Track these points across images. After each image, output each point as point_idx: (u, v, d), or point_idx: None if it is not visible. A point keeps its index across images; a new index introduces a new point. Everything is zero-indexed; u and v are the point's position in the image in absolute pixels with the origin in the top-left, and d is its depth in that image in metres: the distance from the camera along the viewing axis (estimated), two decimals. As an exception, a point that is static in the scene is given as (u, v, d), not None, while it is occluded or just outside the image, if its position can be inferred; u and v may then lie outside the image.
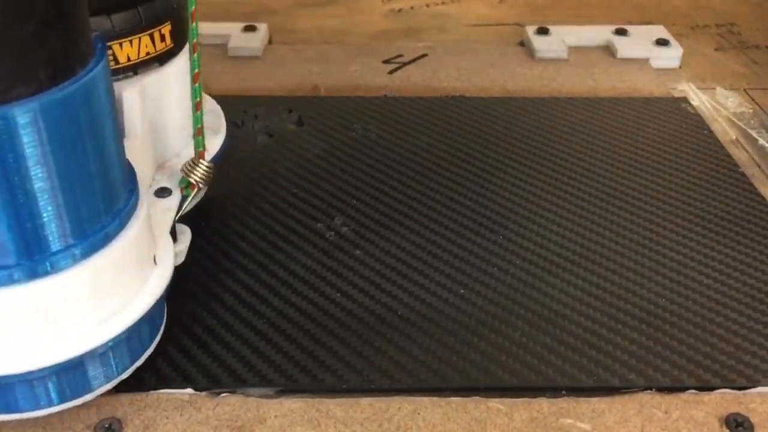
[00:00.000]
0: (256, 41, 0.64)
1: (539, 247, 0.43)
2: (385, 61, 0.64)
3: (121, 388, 0.35)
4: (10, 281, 0.29)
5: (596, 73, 0.63)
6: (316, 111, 0.56)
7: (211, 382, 0.35)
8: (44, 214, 0.28)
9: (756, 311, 0.39)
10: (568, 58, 0.65)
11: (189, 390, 0.35)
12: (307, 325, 0.38)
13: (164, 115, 0.40)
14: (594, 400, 0.35)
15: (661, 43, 0.66)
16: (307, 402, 0.35)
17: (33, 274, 0.29)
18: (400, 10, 0.76)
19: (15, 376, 0.30)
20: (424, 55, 0.65)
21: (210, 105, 0.45)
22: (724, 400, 0.35)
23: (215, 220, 0.45)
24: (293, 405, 0.34)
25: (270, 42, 0.67)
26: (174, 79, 0.40)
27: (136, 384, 0.35)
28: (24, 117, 0.26)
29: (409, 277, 0.41)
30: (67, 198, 0.29)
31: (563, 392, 0.35)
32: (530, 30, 0.68)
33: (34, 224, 0.28)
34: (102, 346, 0.31)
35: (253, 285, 0.40)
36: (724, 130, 0.56)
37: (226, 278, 0.41)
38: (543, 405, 0.35)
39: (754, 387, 0.35)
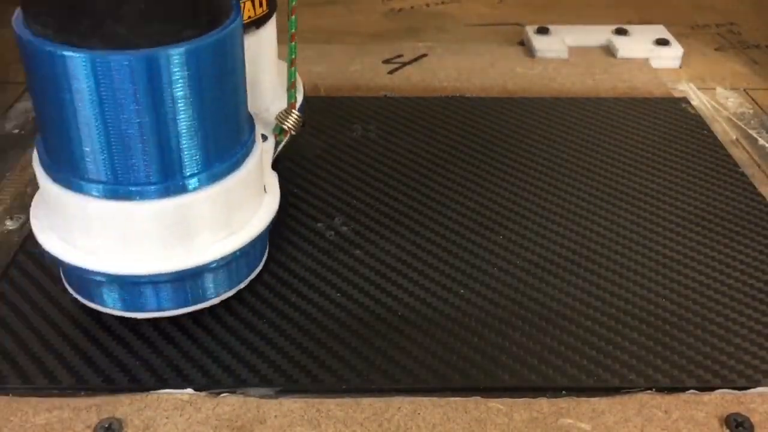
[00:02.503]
0: (256, 41, 0.64)
1: (539, 247, 0.43)
2: (385, 61, 0.64)
3: (121, 388, 0.35)
4: (160, 195, 0.34)
5: (596, 73, 0.63)
6: (316, 111, 0.56)
7: (211, 382, 0.35)
8: (191, 140, 0.33)
9: (756, 311, 0.39)
10: (568, 58, 0.65)
11: (189, 390, 0.35)
12: (307, 325, 0.38)
13: (258, 73, 0.44)
14: (594, 400, 0.35)
15: (661, 42, 0.66)
16: (307, 402, 0.35)
17: (180, 190, 0.34)
18: (400, 10, 0.76)
19: (163, 275, 0.35)
20: (424, 55, 0.65)
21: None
22: (724, 401, 0.35)
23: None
24: (293, 405, 0.34)
25: (270, 42, 0.67)
26: (267, 41, 0.45)
27: (136, 384, 0.35)
28: (192, 54, 0.32)
29: (409, 277, 0.41)
30: (208, 130, 0.34)
31: (563, 392, 0.35)
32: (530, 30, 0.68)
33: (179, 150, 0.33)
34: (232, 254, 0.36)
35: (253, 285, 0.40)
36: (724, 130, 0.56)
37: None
38: (543, 405, 0.35)
39: (754, 387, 0.35)
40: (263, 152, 0.40)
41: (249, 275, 0.40)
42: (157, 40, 0.31)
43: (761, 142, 0.55)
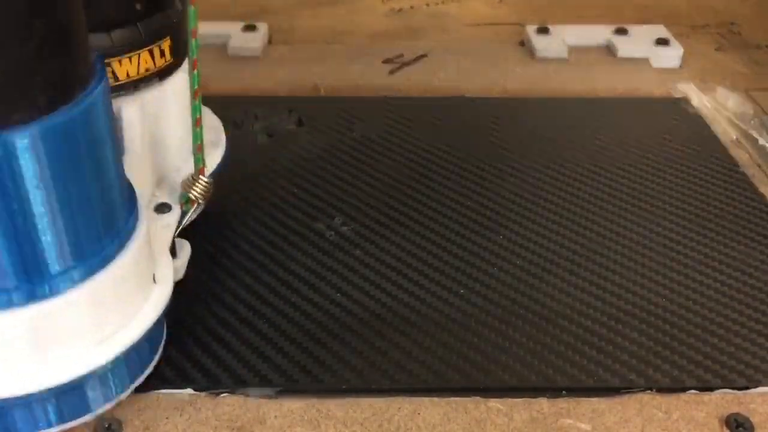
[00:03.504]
0: (255, 41, 0.64)
1: (539, 247, 0.43)
2: (385, 61, 0.64)
3: (120, 389, 0.35)
4: (9, 304, 0.28)
5: (596, 73, 0.63)
6: (316, 111, 0.56)
7: (211, 383, 0.35)
8: (44, 238, 0.28)
9: (756, 311, 0.39)
10: (568, 58, 0.65)
11: (189, 390, 0.35)
12: (307, 325, 0.38)
13: (164, 131, 0.40)
14: (594, 400, 0.35)
15: (662, 42, 0.66)
16: (307, 402, 0.35)
17: (32, 296, 0.29)
18: (400, 10, 0.76)
19: (14, 399, 0.30)
20: (424, 55, 0.65)
21: (209, 119, 0.45)
22: (724, 401, 0.35)
23: (215, 219, 0.45)
24: (293, 405, 0.34)
25: (270, 42, 0.67)
26: (174, 94, 0.40)
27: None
28: (24, 142, 0.26)
29: (409, 277, 0.41)
30: (67, 221, 0.28)
31: (563, 392, 0.35)
32: (530, 30, 0.68)
33: (34, 248, 0.28)
34: (101, 367, 0.31)
35: (253, 285, 0.40)
36: (725, 130, 0.56)
37: (227, 278, 0.41)
38: (543, 405, 0.35)
39: (754, 387, 0.35)
40: (165, 227, 0.36)
41: (133, 382, 0.34)
42: None
43: (761, 142, 0.55)
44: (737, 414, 0.34)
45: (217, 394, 0.35)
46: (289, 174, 0.49)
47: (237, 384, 0.35)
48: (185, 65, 0.40)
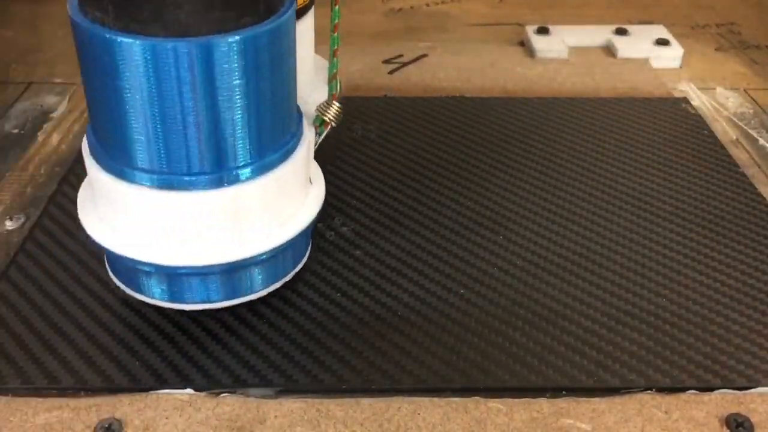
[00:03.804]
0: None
1: (539, 247, 0.43)
2: (385, 61, 0.64)
3: (121, 388, 0.35)
4: (211, 185, 0.33)
5: (596, 73, 0.63)
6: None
7: (210, 383, 0.35)
8: (245, 130, 0.33)
9: (756, 311, 0.39)
10: (568, 58, 0.65)
11: (189, 390, 0.35)
12: (307, 325, 0.38)
13: (298, 65, 0.44)
14: (594, 400, 0.35)
15: (662, 42, 0.66)
16: (307, 402, 0.35)
17: (232, 180, 0.34)
18: (400, 10, 0.76)
19: (213, 266, 0.35)
20: (424, 55, 0.65)
21: (322, 61, 0.49)
22: (724, 401, 0.35)
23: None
24: (293, 405, 0.34)
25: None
26: (306, 33, 0.45)
27: (136, 384, 0.35)
28: (250, 41, 0.31)
29: (409, 277, 0.41)
30: (268, 115, 0.34)
31: (563, 392, 0.35)
32: (530, 30, 0.68)
33: (234, 138, 0.33)
34: (281, 245, 0.36)
35: (253, 285, 0.40)
36: (725, 130, 0.56)
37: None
38: (543, 405, 0.35)
39: (754, 387, 0.35)
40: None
41: (295, 267, 0.40)
42: (217, 27, 0.31)
43: (761, 142, 0.55)
44: (737, 414, 0.34)
45: (217, 394, 0.35)
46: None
47: (237, 384, 0.35)
48: (312, 9, 0.45)
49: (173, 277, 0.36)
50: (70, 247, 0.42)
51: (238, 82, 0.32)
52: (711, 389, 0.35)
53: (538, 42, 0.66)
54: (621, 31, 0.68)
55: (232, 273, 0.36)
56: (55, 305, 0.39)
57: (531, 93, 0.60)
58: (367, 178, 0.49)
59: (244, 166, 0.34)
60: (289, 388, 0.35)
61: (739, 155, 0.53)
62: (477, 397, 0.35)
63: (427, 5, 0.77)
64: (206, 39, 0.31)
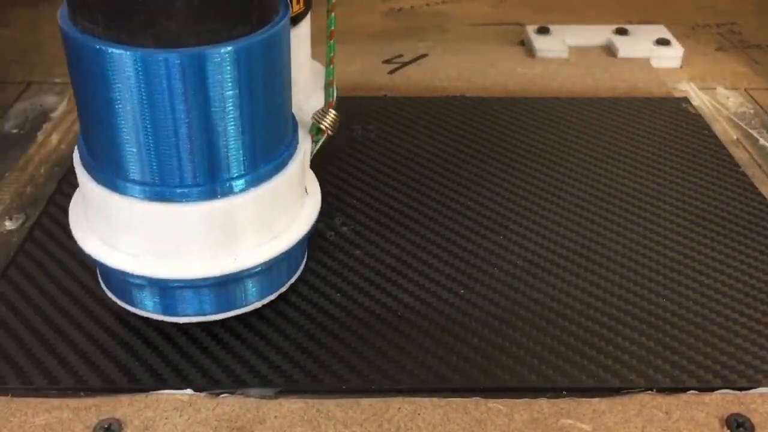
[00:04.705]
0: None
1: (539, 247, 0.43)
2: (385, 61, 0.64)
3: (121, 389, 0.35)
4: (203, 197, 0.33)
5: (596, 73, 0.63)
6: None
7: (210, 383, 0.35)
8: (239, 141, 0.33)
9: (756, 311, 0.39)
10: (569, 58, 0.65)
11: (188, 390, 0.35)
12: (307, 325, 0.38)
13: (294, 72, 0.43)
14: (594, 400, 0.35)
15: (662, 42, 0.66)
16: (307, 402, 0.34)
17: (224, 192, 0.33)
18: (400, 10, 0.76)
19: (204, 279, 0.35)
20: (424, 55, 0.65)
21: (319, 66, 0.49)
22: (724, 401, 0.35)
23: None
24: (293, 405, 0.34)
25: (270, 42, 0.67)
26: (302, 40, 0.45)
27: (135, 384, 0.35)
28: (243, 52, 0.31)
29: (409, 277, 0.41)
30: (261, 126, 0.34)
31: (564, 393, 0.35)
32: (530, 29, 0.68)
33: (228, 149, 0.33)
34: (274, 258, 0.36)
35: (253, 285, 0.40)
36: (725, 130, 0.56)
37: (226, 278, 0.41)
38: (543, 405, 0.35)
39: (755, 387, 0.35)
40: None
41: (290, 279, 0.39)
42: (208, 38, 0.30)
43: (762, 142, 0.55)
44: (737, 414, 0.34)
45: (217, 394, 0.35)
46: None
47: (237, 384, 0.35)
48: (308, 15, 0.45)
49: (166, 290, 0.36)
50: (69, 247, 0.42)
51: (231, 93, 0.32)
52: (711, 389, 0.35)
53: (539, 42, 0.66)
54: (621, 31, 0.68)
55: (225, 286, 0.36)
56: (55, 305, 0.39)
57: (531, 93, 0.60)
58: (367, 178, 0.49)
59: (237, 178, 0.34)
60: (288, 388, 0.35)
61: (740, 155, 0.53)
62: (477, 398, 0.35)
63: (427, 5, 0.77)
64: (198, 50, 0.30)
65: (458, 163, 0.51)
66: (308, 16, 0.45)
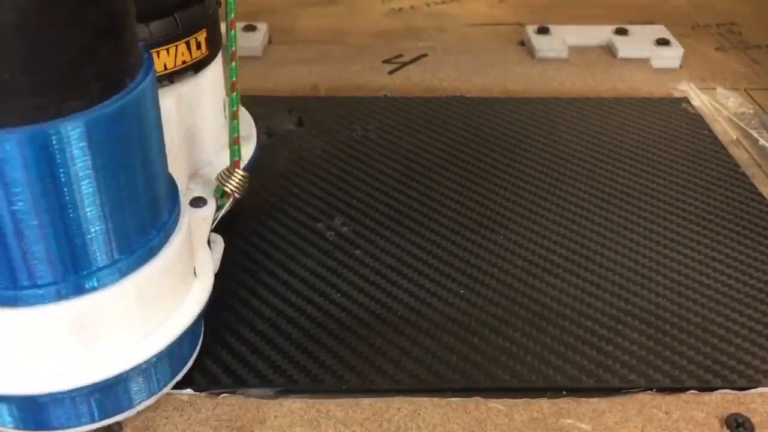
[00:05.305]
0: (255, 41, 0.64)
1: (539, 247, 0.43)
2: (385, 61, 0.64)
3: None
4: (57, 297, 0.28)
5: (596, 73, 0.63)
6: (316, 111, 0.56)
7: (210, 383, 0.35)
8: (93, 229, 0.28)
9: (756, 311, 0.39)
10: (569, 58, 0.65)
11: (189, 390, 0.35)
12: (307, 325, 0.38)
13: (198, 124, 0.40)
14: (594, 400, 0.35)
15: (662, 42, 0.66)
16: (307, 402, 0.35)
17: (80, 289, 0.28)
18: (400, 10, 0.76)
19: (59, 393, 0.29)
20: (424, 55, 0.65)
21: (241, 113, 0.44)
22: (724, 401, 0.35)
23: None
24: (293, 405, 0.34)
25: (270, 42, 0.67)
26: (208, 87, 0.40)
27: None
28: (76, 131, 0.26)
29: (409, 277, 0.41)
30: (116, 212, 0.28)
31: (563, 392, 0.35)
32: (530, 29, 0.68)
33: (83, 239, 0.28)
34: (147, 361, 0.31)
35: (253, 285, 0.40)
36: (725, 130, 0.56)
37: (226, 278, 0.40)
38: (543, 405, 0.35)
39: (754, 387, 0.35)
40: (201, 220, 0.36)
41: (174, 377, 0.34)
42: (32, 116, 0.25)
43: (762, 142, 0.55)
44: (737, 414, 0.34)
45: (217, 394, 0.35)
46: (289, 174, 0.49)
47: (237, 384, 0.35)
48: (218, 59, 0.40)
49: (21, 405, 0.30)
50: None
51: (84, 173, 0.27)
52: (711, 389, 0.35)
53: (538, 42, 0.66)
54: (621, 31, 0.68)
55: (89, 395, 0.31)
56: (55, 305, 0.38)
57: (531, 93, 0.60)
58: (367, 178, 0.49)
59: (94, 273, 0.28)
60: (289, 388, 0.35)
61: (740, 155, 0.53)
62: (477, 397, 0.35)
63: (427, 5, 0.77)
64: (39, 128, 0.25)
65: (458, 163, 0.51)
66: (216, 61, 0.40)
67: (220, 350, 0.36)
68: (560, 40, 0.66)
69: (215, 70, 0.40)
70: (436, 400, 0.35)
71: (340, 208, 0.46)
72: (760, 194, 0.48)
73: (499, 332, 0.38)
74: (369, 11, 0.76)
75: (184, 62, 0.37)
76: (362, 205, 0.46)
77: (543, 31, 0.67)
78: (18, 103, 0.25)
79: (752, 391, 0.35)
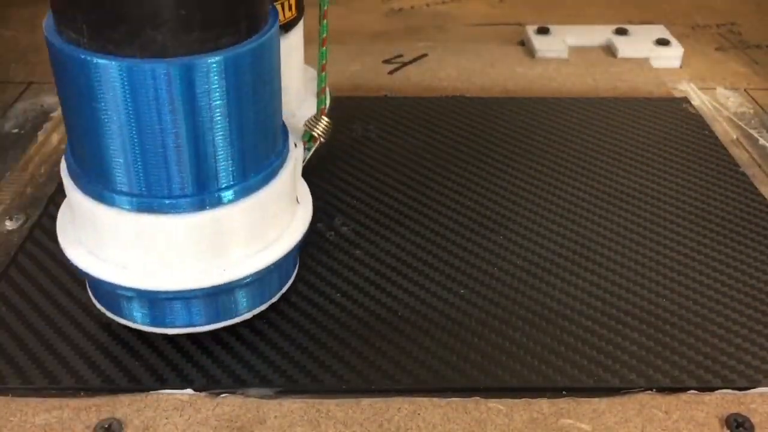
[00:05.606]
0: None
1: (539, 247, 0.43)
2: (385, 61, 0.64)
3: (121, 389, 0.35)
4: (201, 207, 0.33)
5: (596, 73, 0.63)
6: (316, 111, 0.56)
7: (210, 383, 0.35)
8: (229, 150, 0.33)
9: (756, 311, 0.39)
10: (569, 58, 0.65)
11: (189, 390, 0.35)
12: (308, 325, 0.38)
13: (286, 79, 0.42)
14: (594, 400, 0.35)
15: (662, 42, 0.66)
16: (307, 402, 0.35)
17: (219, 201, 0.33)
18: (400, 10, 0.76)
19: (200, 290, 0.34)
20: (424, 55, 0.65)
21: (312, 72, 0.48)
22: (724, 401, 0.35)
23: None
24: (293, 405, 0.34)
25: (270, 42, 0.67)
26: (295, 45, 0.45)
27: (135, 384, 0.35)
28: (231, 61, 0.31)
29: (409, 277, 0.41)
30: (250, 136, 0.33)
31: (563, 392, 0.35)
32: (530, 29, 0.68)
33: (216, 159, 0.32)
34: (265, 269, 0.35)
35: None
36: (725, 130, 0.56)
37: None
38: (543, 405, 0.35)
39: (754, 387, 0.35)
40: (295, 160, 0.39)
41: (281, 289, 0.39)
42: (195, 47, 0.30)
43: (762, 141, 0.55)
44: (737, 414, 0.34)
45: (217, 394, 0.35)
46: (289, 174, 0.49)
47: (237, 384, 0.35)
48: (302, 22, 0.45)
49: (154, 301, 0.35)
50: (70, 247, 0.42)
51: (218, 103, 0.31)
52: (711, 389, 0.35)
53: (538, 42, 0.66)
54: (621, 31, 0.68)
55: (215, 297, 0.35)
56: (55, 305, 0.39)
57: (531, 93, 0.60)
58: (367, 178, 0.49)
59: (226, 189, 0.33)
60: (289, 388, 0.35)
61: (740, 155, 0.53)
62: (477, 398, 0.35)
63: (427, 5, 0.77)
64: (185, 60, 0.30)
65: (458, 163, 0.51)
66: (301, 23, 0.44)
67: (220, 350, 0.36)
68: (560, 40, 0.66)
69: (300, 32, 0.45)
70: (436, 400, 0.35)
71: (340, 208, 0.46)
72: (760, 194, 0.48)
73: (499, 332, 0.38)
74: (369, 11, 0.76)
75: (278, 21, 0.41)
76: (362, 205, 0.46)
77: (543, 31, 0.67)
78: (189, 36, 0.30)
79: (752, 391, 0.35)
